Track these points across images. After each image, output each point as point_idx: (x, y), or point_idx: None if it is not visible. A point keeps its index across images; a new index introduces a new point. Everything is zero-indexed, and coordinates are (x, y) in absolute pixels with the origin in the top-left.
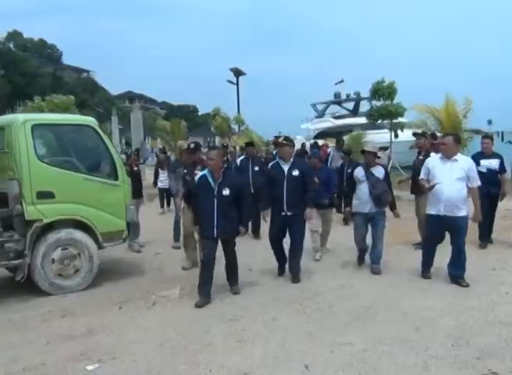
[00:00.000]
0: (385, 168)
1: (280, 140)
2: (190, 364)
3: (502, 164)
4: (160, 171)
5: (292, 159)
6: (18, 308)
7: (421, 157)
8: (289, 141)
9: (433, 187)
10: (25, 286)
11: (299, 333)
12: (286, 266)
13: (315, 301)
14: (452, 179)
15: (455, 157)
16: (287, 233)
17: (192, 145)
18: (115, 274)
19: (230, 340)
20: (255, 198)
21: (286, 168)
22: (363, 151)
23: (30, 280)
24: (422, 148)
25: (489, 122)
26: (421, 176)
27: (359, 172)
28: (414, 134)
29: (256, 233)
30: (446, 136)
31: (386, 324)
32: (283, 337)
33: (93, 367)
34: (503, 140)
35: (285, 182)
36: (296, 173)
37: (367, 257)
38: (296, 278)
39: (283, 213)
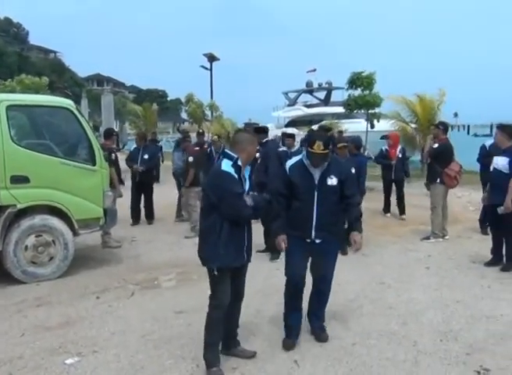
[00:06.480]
0: None
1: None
2: (175, 358)
3: None
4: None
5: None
6: None
7: (435, 145)
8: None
9: None
10: None
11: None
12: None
13: None
14: None
15: None
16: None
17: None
18: (90, 262)
19: None
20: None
21: (317, 173)
22: None
23: (1, 268)
24: (437, 138)
25: (455, 114)
26: None
27: None
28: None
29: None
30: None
31: (372, 318)
32: (269, 331)
33: (72, 361)
34: (468, 133)
35: (315, 194)
36: (333, 181)
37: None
38: (323, 333)
39: (308, 240)
